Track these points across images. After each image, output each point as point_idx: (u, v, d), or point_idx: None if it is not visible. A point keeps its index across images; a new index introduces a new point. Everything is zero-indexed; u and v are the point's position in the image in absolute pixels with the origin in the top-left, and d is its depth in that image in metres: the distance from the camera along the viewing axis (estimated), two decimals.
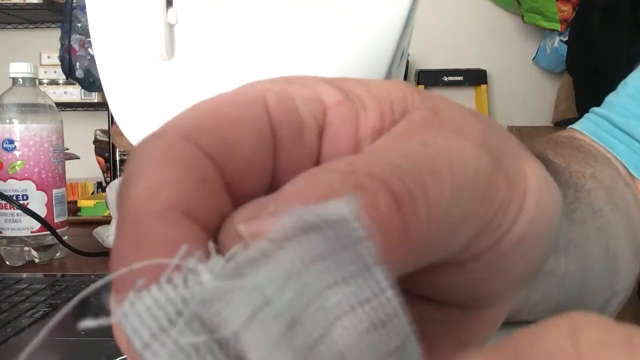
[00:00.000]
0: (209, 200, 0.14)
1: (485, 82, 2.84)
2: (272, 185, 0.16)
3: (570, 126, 0.44)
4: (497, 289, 0.18)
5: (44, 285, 0.63)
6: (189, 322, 0.11)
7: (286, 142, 0.16)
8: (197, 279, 0.12)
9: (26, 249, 0.77)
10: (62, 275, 0.68)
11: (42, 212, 0.76)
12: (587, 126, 0.43)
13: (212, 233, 0.14)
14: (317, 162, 0.17)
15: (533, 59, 2.81)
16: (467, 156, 0.16)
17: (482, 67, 2.84)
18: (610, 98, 0.44)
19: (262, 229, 0.13)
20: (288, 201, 0.13)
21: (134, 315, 0.12)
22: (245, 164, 0.15)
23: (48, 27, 3.04)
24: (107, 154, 2.62)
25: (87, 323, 0.12)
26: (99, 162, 2.71)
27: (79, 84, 2.16)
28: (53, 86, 2.91)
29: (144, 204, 0.14)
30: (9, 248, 0.76)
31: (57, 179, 0.79)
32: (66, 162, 0.82)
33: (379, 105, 0.17)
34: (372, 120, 0.17)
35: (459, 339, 0.19)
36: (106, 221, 0.85)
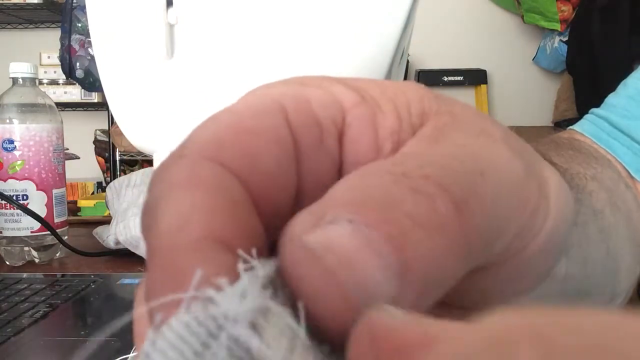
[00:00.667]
0: (241, 223, 0.14)
1: (485, 82, 2.84)
2: (297, 196, 0.16)
3: (570, 127, 0.44)
4: (513, 292, 0.18)
5: (44, 285, 0.63)
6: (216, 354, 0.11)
7: (307, 148, 0.16)
8: (220, 310, 0.12)
9: (26, 249, 0.77)
10: (62, 275, 0.68)
11: (42, 212, 0.76)
12: (587, 127, 0.42)
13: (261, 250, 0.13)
14: (339, 167, 0.16)
15: (533, 59, 2.81)
16: (503, 159, 0.16)
17: (482, 67, 2.84)
18: (610, 99, 0.44)
19: (327, 238, 0.12)
20: (345, 207, 0.13)
21: (157, 353, 0.11)
22: (270, 176, 0.15)
23: (48, 27, 3.04)
24: (107, 154, 2.63)
25: None
26: (99, 162, 2.71)
27: (79, 84, 2.16)
28: (53, 86, 2.91)
29: (176, 235, 0.13)
30: (9, 248, 0.76)
31: (57, 179, 0.79)
32: (66, 162, 0.82)
33: (395, 106, 0.16)
34: (391, 122, 0.16)
35: None
36: (106, 221, 0.85)
